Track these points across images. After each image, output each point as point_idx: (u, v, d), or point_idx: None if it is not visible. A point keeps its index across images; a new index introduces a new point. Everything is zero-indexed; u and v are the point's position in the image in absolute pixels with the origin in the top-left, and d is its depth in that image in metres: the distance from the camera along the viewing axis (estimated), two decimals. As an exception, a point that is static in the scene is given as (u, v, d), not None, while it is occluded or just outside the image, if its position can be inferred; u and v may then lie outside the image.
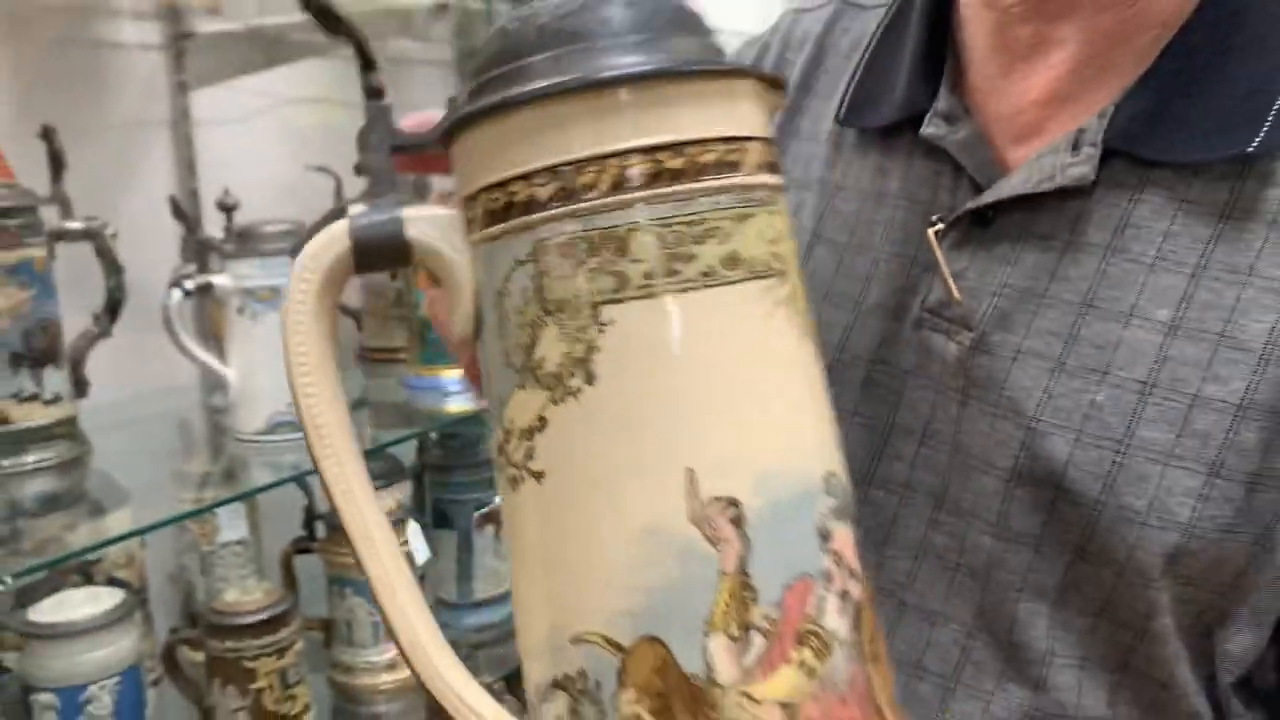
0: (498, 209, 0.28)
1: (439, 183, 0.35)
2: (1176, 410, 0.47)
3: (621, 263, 0.27)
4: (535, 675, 0.29)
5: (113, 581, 0.91)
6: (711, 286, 0.27)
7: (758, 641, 0.26)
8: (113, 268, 0.89)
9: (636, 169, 0.27)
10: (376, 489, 1.01)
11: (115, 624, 0.81)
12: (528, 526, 0.29)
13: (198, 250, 1.01)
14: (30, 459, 0.83)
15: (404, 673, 0.97)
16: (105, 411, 0.93)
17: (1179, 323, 0.47)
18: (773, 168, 0.30)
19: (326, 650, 1.05)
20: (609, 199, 0.27)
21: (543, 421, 0.28)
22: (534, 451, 0.28)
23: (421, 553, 1.02)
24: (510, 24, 0.29)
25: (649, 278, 0.27)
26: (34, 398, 0.84)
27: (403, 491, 1.13)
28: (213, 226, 1.06)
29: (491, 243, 0.29)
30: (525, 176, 0.27)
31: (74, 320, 0.89)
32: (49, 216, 0.87)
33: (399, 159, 0.32)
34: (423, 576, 1.10)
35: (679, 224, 0.27)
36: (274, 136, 1.14)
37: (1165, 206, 0.48)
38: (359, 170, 0.32)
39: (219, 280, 0.92)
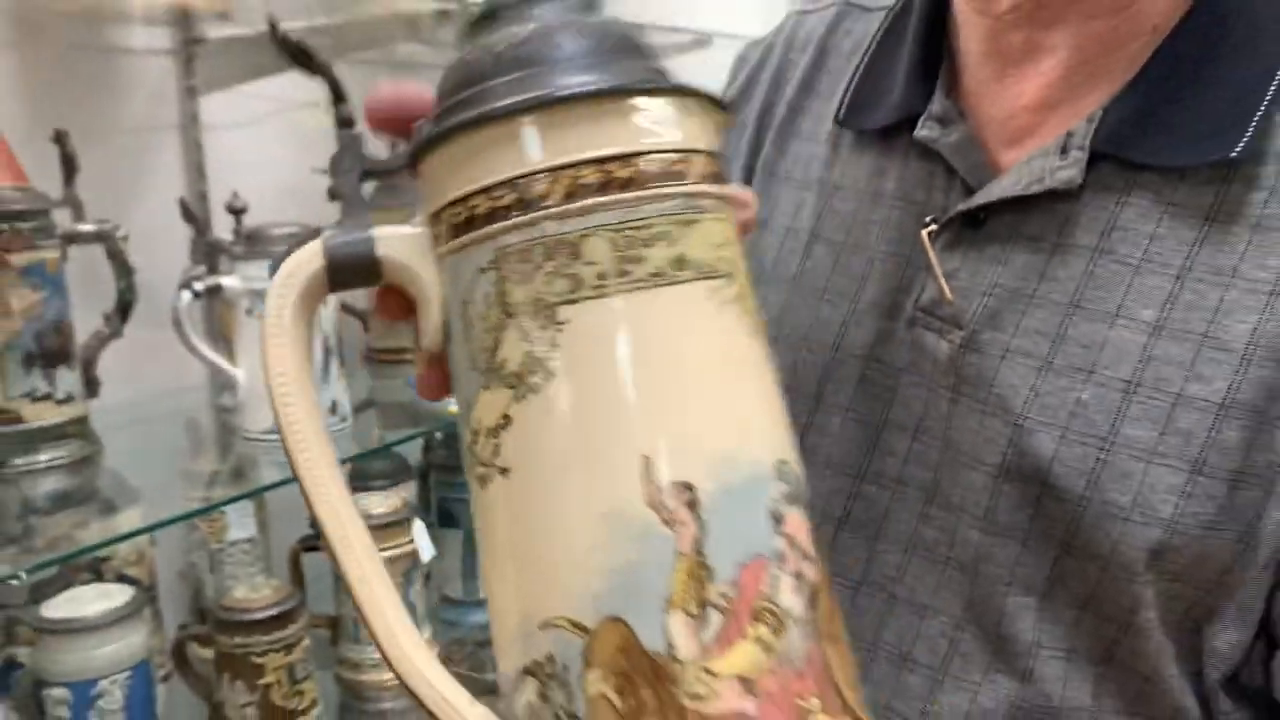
0: (460, 222, 0.30)
1: None
2: (1160, 409, 0.47)
3: (576, 265, 0.28)
4: (507, 667, 0.30)
5: (123, 579, 0.92)
6: (661, 286, 0.29)
7: (715, 618, 0.27)
8: (124, 269, 0.90)
9: (588, 179, 0.29)
10: (383, 488, 1.02)
11: (126, 620, 0.82)
12: (497, 522, 0.30)
13: (207, 252, 1.02)
14: (43, 457, 0.84)
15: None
16: (116, 411, 0.94)
17: (1163, 323, 0.48)
18: (717, 178, 0.31)
19: (333, 647, 1.06)
20: (563, 207, 0.29)
21: (507, 419, 0.29)
22: (500, 448, 0.29)
23: (427, 551, 1.03)
24: (469, 55, 0.31)
25: (602, 279, 0.29)
26: (46, 397, 0.85)
27: (408, 490, 1.14)
28: (222, 229, 1.06)
29: (456, 254, 0.31)
30: (486, 190, 0.29)
31: (85, 321, 0.90)
32: (61, 219, 0.88)
33: (380, 122, 0.33)
34: (428, 575, 1.11)
35: (629, 229, 0.29)
36: (282, 140, 1.14)
37: (1151, 209, 0.49)
38: (332, 195, 0.33)
39: (228, 282, 0.93)
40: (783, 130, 0.64)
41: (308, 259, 0.32)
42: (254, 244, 0.95)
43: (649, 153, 0.29)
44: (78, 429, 0.87)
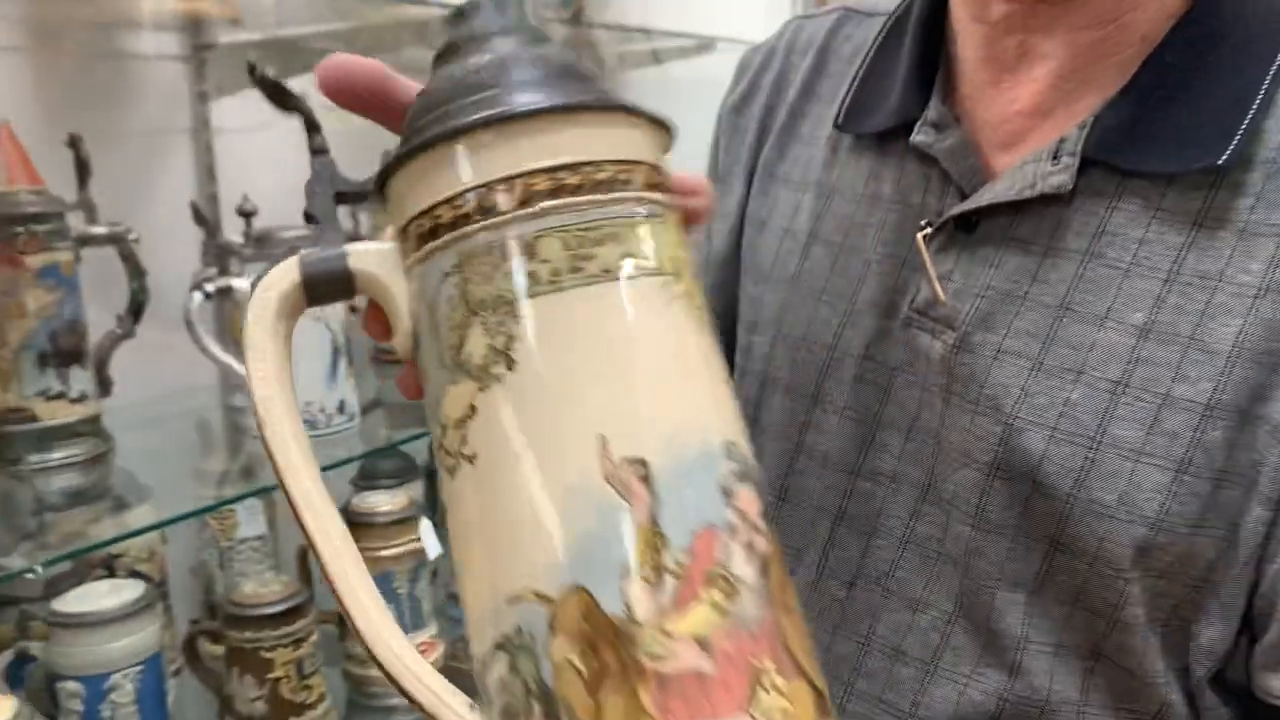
0: (426, 232, 0.32)
1: None
2: (1147, 409, 0.48)
3: (532, 264, 0.31)
4: (479, 647, 0.31)
5: (135, 575, 0.93)
6: (612, 281, 0.31)
7: (670, 583, 0.29)
8: (136, 271, 0.92)
9: (541, 186, 0.31)
10: (390, 487, 1.04)
11: (138, 614, 0.83)
12: (466, 508, 0.31)
13: (218, 254, 1.03)
14: (56, 455, 0.86)
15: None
16: (128, 410, 0.95)
17: (1151, 326, 0.48)
18: (661, 188, 0.34)
19: (341, 643, 1.07)
20: (519, 212, 0.31)
21: (473, 409, 0.31)
22: (467, 438, 0.31)
23: (433, 549, 1.05)
24: (431, 84, 0.34)
25: (556, 275, 0.31)
26: (60, 396, 0.86)
27: (415, 489, 1.15)
28: (232, 231, 1.07)
29: (423, 263, 0.33)
30: (448, 200, 0.32)
31: (99, 321, 0.91)
32: (75, 222, 0.89)
33: (330, 89, 0.35)
34: (435, 572, 1.12)
35: (579, 230, 0.31)
36: (292, 143, 1.14)
37: (1141, 214, 0.49)
38: (307, 218, 0.36)
39: (239, 283, 0.94)
40: (783, 133, 0.65)
41: (284, 274, 0.35)
42: (264, 246, 0.96)
43: (596, 162, 0.32)
44: (91, 427, 0.89)
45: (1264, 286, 0.46)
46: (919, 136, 0.56)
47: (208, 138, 1.17)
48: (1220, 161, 0.47)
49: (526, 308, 0.31)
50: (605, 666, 0.28)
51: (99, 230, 0.90)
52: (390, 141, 0.35)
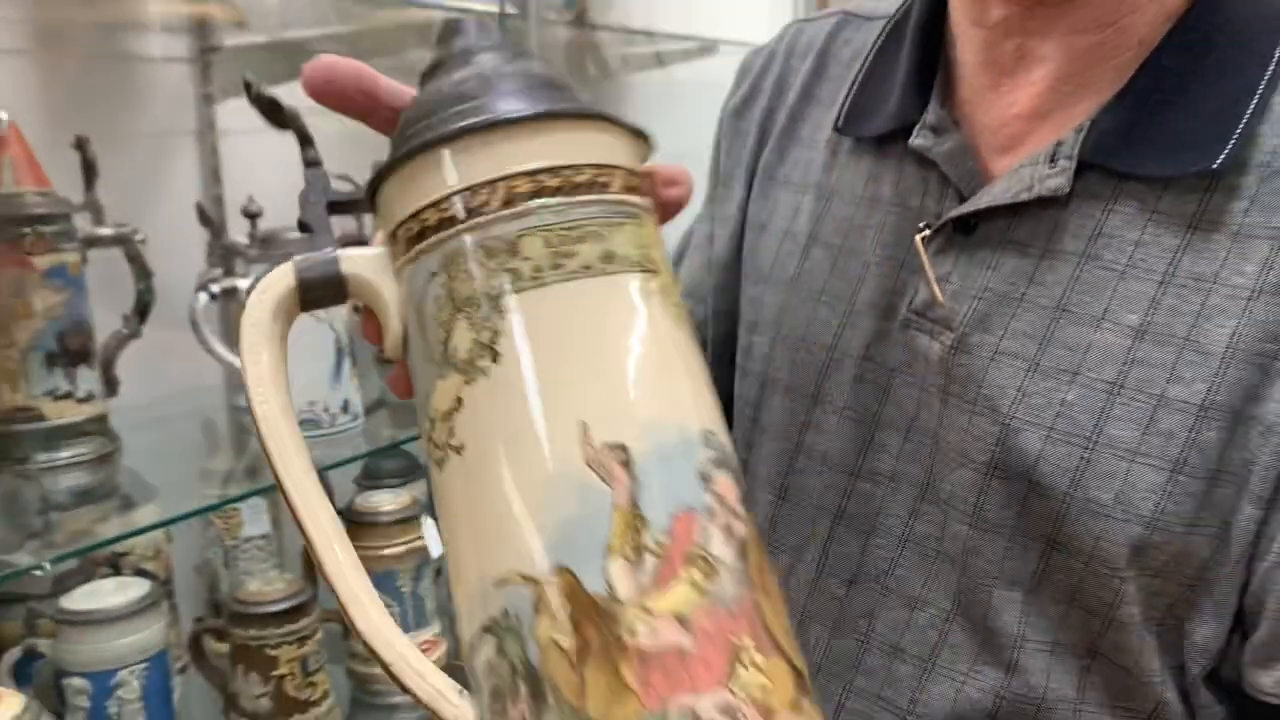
0: (413, 235, 0.34)
1: None
2: (1143, 410, 0.48)
3: (515, 261, 0.32)
4: (468, 633, 0.32)
5: (140, 573, 0.94)
6: (591, 276, 0.32)
7: (650, 562, 0.30)
8: (142, 272, 0.92)
9: (522, 188, 0.32)
10: (394, 486, 1.04)
11: (144, 612, 0.84)
12: (454, 498, 0.32)
13: (223, 255, 1.04)
14: (64, 454, 0.86)
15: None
16: (134, 409, 0.96)
17: (1147, 327, 0.49)
18: (638, 191, 0.35)
19: (345, 641, 1.08)
20: (502, 212, 0.32)
21: (459, 402, 0.32)
22: (454, 430, 0.32)
23: (436, 547, 1.05)
24: (419, 98, 0.35)
25: (538, 271, 0.32)
26: (68, 395, 0.87)
27: (418, 489, 1.16)
28: (237, 232, 1.08)
29: (411, 264, 0.34)
30: (435, 204, 0.33)
31: (105, 322, 0.92)
32: (82, 223, 0.90)
33: (315, 90, 0.36)
34: (439, 570, 1.13)
35: (560, 229, 0.32)
36: (296, 146, 1.17)
37: (1137, 217, 0.50)
38: (302, 226, 0.37)
39: (244, 284, 0.95)
40: (783, 136, 0.66)
41: (279, 278, 0.36)
42: (269, 247, 0.97)
43: (575, 166, 0.33)
44: (97, 427, 0.89)
45: (1257, 288, 0.47)
46: (918, 140, 0.56)
47: (213, 140, 1.17)
48: (1215, 165, 0.48)
49: (510, 303, 0.32)
50: (588, 643, 0.29)
51: (105, 231, 0.91)
52: (380, 143, 0.36)
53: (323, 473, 0.96)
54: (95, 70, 1.09)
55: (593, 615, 0.29)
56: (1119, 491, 0.49)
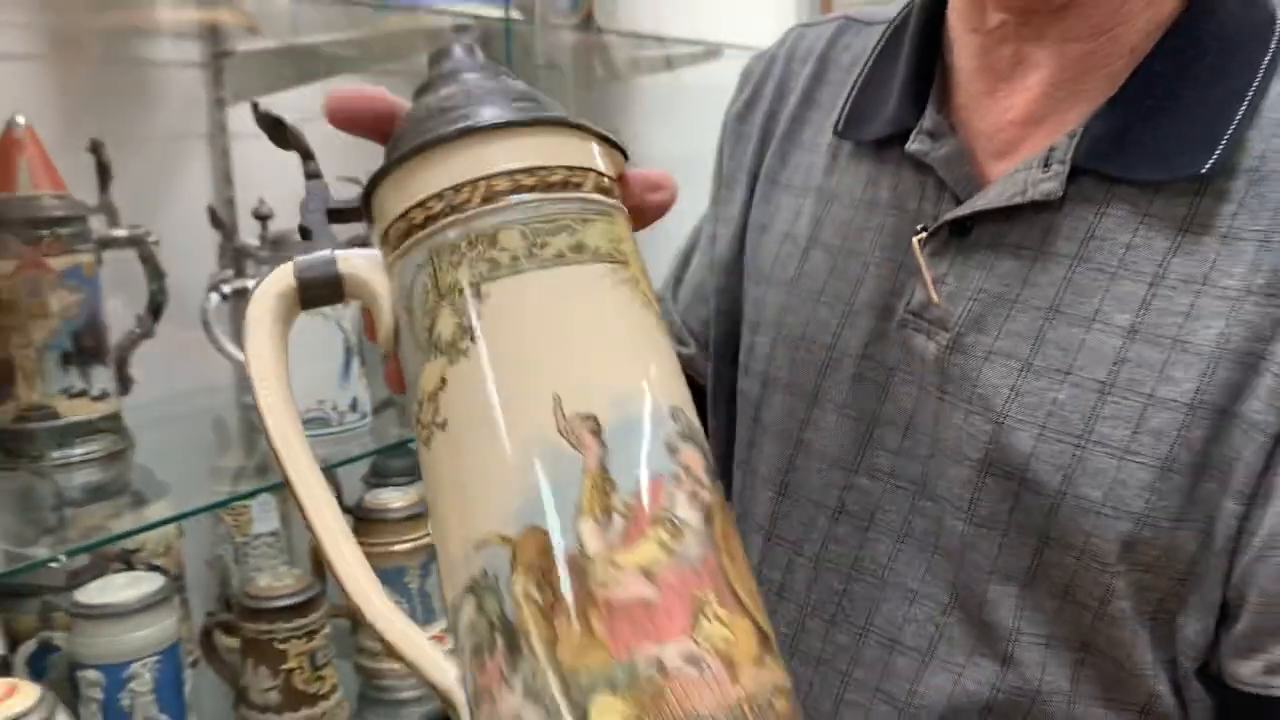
0: (402, 233, 0.36)
1: None
2: (1133, 409, 0.49)
3: (494, 252, 0.35)
4: (451, 596, 0.34)
5: (152, 569, 0.95)
6: (564, 265, 0.35)
7: (618, 522, 0.32)
8: (155, 273, 0.94)
9: (501, 186, 0.35)
10: (401, 484, 1.05)
11: (156, 606, 0.86)
12: (440, 471, 0.35)
13: (234, 256, 1.04)
14: (78, 451, 0.88)
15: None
16: (147, 408, 0.97)
17: (1137, 327, 0.50)
18: (609, 192, 0.38)
19: (353, 636, 1.09)
20: (483, 208, 0.35)
21: (444, 382, 0.34)
22: (439, 408, 0.34)
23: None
24: (410, 112, 0.38)
25: (515, 260, 0.35)
26: (82, 394, 0.88)
27: (426, 487, 1.17)
28: (248, 234, 1.09)
29: (401, 260, 0.37)
30: (421, 204, 0.36)
31: (119, 321, 0.93)
32: (97, 225, 0.91)
33: (338, 118, 0.39)
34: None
35: (535, 223, 0.35)
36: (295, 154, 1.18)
37: (1128, 220, 0.51)
38: (303, 232, 0.40)
39: (254, 285, 0.96)
40: (785, 140, 0.67)
41: (281, 278, 0.39)
42: (279, 249, 0.98)
43: (549, 167, 0.36)
44: (111, 424, 0.91)
45: (1245, 289, 0.48)
46: (914, 145, 0.57)
47: (225, 143, 1.18)
48: (1203, 170, 0.49)
49: (489, 289, 0.34)
50: (560, 597, 0.31)
51: (119, 233, 0.92)
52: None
53: (331, 470, 0.98)
54: (109, 75, 1.10)
55: (564, 570, 0.31)
56: (1109, 489, 0.49)
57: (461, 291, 0.34)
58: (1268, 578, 0.47)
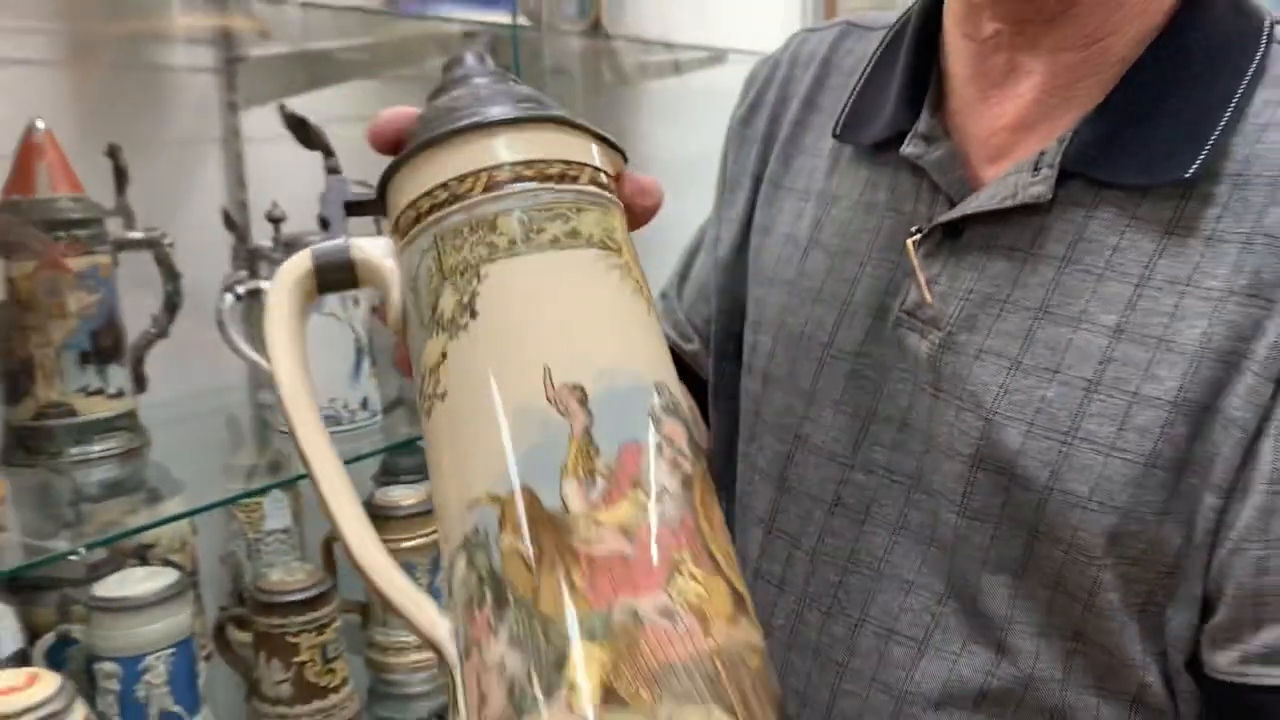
0: (411, 220, 0.39)
1: None
2: (1118, 406, 0.50)
3: (493, 236, 0.37)
4: (447, 555, 0.36)
5: (167, 564, 0.96)
6: (558, 250, 0.37)
7: (601, 483, 0.34)
8: (170, 274, 0.96)
9: (501, 176, 0.38)
10: (411, 482, 1.07)
11: (171, 600, 0.87)
12: (439, 438, 0.37)
13: (248, 258, 1.06)
14: (95, 448, 0.90)
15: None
16: (162, 406, 0.98)
17: (1123, 327, 0.51)
18: (604, 186, 0.40)
19: (364, 631, 1.10)
20: (484, 195, 0.38)
21: (444, 355, 0.37)
22: (439, 379, 0.37)
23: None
24: (423, 113, 0.41)
25: (512, 244, 0.37)
26: (99, 392, 0.90)
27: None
28: (261, 236, 1.10)
29: (409, 246, 0.39)
30: (428, 193, 0.38)
31: (135, 322, 0.95)
32: (113, 227, 0.93)
33: (380, 143, 0.42)
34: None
35: (533, 210, 0.38)
36: (317, 153, 1.20)
37: (1116, 222, 0.52)
38: (322, 223, 0.43)
39: (267, 285, 0.97)
40: (787, 144, 0.68)
41: (299, 261, 0.41)
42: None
43: (547, 160, 0.39)
44: (127, 422, 0.93)
45: (1228, 290, 0.49)
46: (909, 148, 0.58)
47: (238, 147, 1.19)
48: (1187, 175, 0.50)
49: (487, 270, 0.36)
50: (544, 551, 0.33)
51: (136, 235, 0.94)
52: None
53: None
54: (125, 81, 1.12)
55: (549, 526, 0.33)
56: (1095, 484, 0.50)
57: (463, 272, 0.37)
58: (1243, 570, 0.48)
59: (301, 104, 1.18)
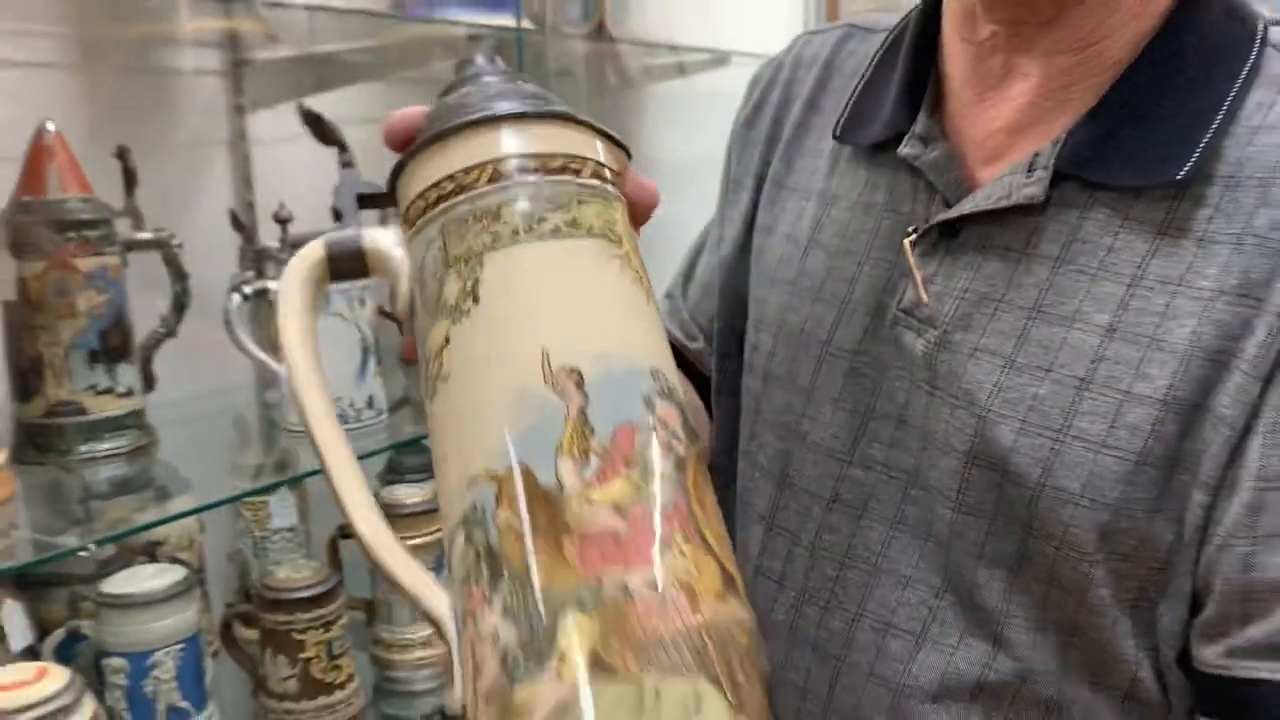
0: (420, 211, 0.40)
1: None
2: (1110, 404, 0.51)
3: (496, 225, 0.38)
4: (447, 532, 0.37)
5: (175, 562, 0.97)
6: (559, 239, 0.38)
7: (595, 462, 0.35)
8: (179, 274, 0.96)
9: (506, 167, 0.39)
10: (415, 481, 1.08)
11: (179, 596, 0.88)
12: (441, 420, 0.38)
13: (255, 258, 1.06)
14: (104, 446, 0.91)
15: (439, 648, 1.05)
16: (170, 405, 0.99)
17: (1116, 326, 0.51)
18: (607, 181, 0.41)
19: (369, 629, 1.11)
20: (489, 186, 0.39)
21: (447, 340, 0.38)
22: (443, 364, 0.38)
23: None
24: (433, 110, 0.42)
25: (515, 233, 0.38)
26: (108, 391, 0.91)
27: (439, 484, 1.19)
28: (268, 237, 1.11)
29: (417, 235, 0.40)
30: (436, 184, 0.40)
31: (144, 321, 0.96)
32: (122, 228, 0.94)
33: (394, 142, 0.43)
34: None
35: (535, 200, 0.39)
36: (324, 154, 1.16)
37: (1109, 223, 0.53)
38: (335, 215, 0.44)
39: (274, 285, 0.97)
40: (790, 145, 0.69)
41: (313, 250, 0.43)
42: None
43: (551, 154, 0.40)
44: (136, 420, 0.94)
45: (1218, 290, 0.50)
46: (905, 149, 0.59)
47: (245, 149, 1.20)
48: (1178, 177, 0.50)
49: (491, 257, 0.38)
50: (538, 526, 0.34)
51: (144, 236, 0.95)
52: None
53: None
54: (134, 84, 1.13)
55: (543, 503, 0.34)
56: (1086, 481, 0.51)
57: (466, 260, 0.38)
58: (1230, 566, 0.49)
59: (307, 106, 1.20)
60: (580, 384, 0.36)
